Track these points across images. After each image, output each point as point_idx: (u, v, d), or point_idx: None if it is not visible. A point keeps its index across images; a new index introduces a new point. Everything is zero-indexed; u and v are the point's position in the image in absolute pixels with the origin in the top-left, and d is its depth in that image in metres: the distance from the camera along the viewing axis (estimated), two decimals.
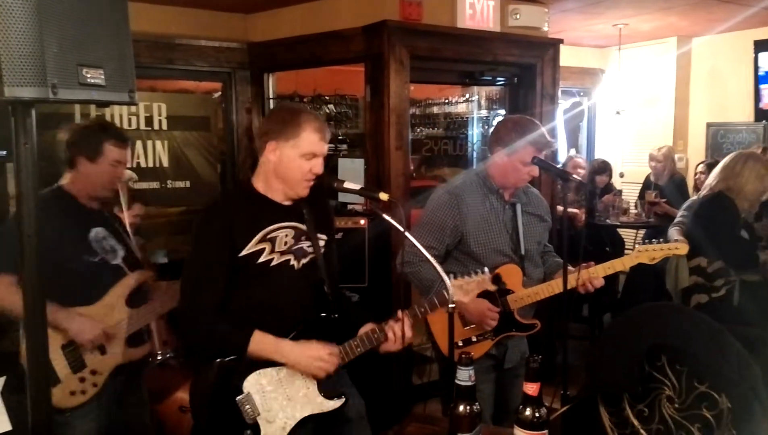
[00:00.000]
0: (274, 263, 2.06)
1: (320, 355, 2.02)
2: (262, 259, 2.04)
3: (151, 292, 2.60)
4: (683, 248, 2.70)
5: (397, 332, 2.06)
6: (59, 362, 2.33)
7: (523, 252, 2.62)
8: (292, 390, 2.04)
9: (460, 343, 2.56)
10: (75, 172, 2.47)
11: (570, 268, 2.55)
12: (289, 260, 2.10)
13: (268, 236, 2.06)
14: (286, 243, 2.09)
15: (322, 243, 2.20)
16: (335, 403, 2.09)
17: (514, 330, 2.63)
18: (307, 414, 2.05)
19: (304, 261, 2.14)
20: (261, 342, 1.99)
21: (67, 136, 2.53)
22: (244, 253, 2.02)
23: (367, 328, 2.14)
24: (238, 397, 1.99)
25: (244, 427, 1.99)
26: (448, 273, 1.97)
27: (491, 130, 4.66)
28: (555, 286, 2.56)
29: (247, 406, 1.99)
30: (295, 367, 2.03)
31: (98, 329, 2.37)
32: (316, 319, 2.12)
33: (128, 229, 2.65)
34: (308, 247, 2.15)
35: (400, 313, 2.08)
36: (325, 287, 2.16)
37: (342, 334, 2.14)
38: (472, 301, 2.46)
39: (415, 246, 2.00)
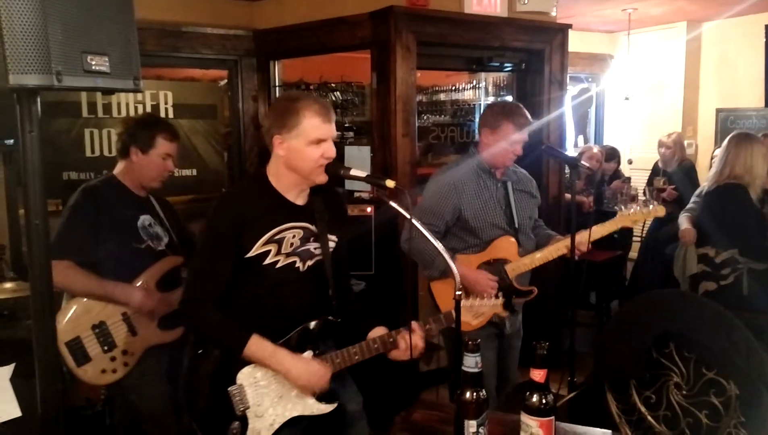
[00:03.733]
0: (279, 265, 2.03)
1: (310, 373, 1.99)
2: (267, 261, 2.01)
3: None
4: (661, 210, 2.87)
5: (409, 342, 2.04)
6: (90, 341, 2.43)
7: (516, 225, 2.83)
8: (285, 388, 2.02)
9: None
10: (127, 162, 2.60)
11: (559, 236, 2.85)
12: (294, 262, 2.06)
13: (276, 237, 2.02)
14: (292, 244, 2.05)
15: (332, 244, 2.15)
16: (325, 408, 2.06)
17: (514, 297, 2.77)
18: (296, 414, 2.03)
19: (309, 263, 2.10)
20: (257, 346, 1.96)
21: (121, 128, 2.67)
22: (250, 254, 1.99)
23: (377, 332, 2.11)
24: (230, 388, 1.99)
25: (233, 418, 1.98)
26: (448, 249, 2.10)
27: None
28: (548, 254, 2.76)
29: (238, 398, 1.98)
30: (286, 377, 2.00)
31: (154, 299, 2.51)
32: (318, 322, 2.09)
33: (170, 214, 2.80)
34: (315, 248, 2.11)
35: (414, 323, 2.06)
36: (329, 291, 2.12)
37: (344, 337, 2.12)
38: (471, 272, 2.68)
39: (417, 226, 2.00)
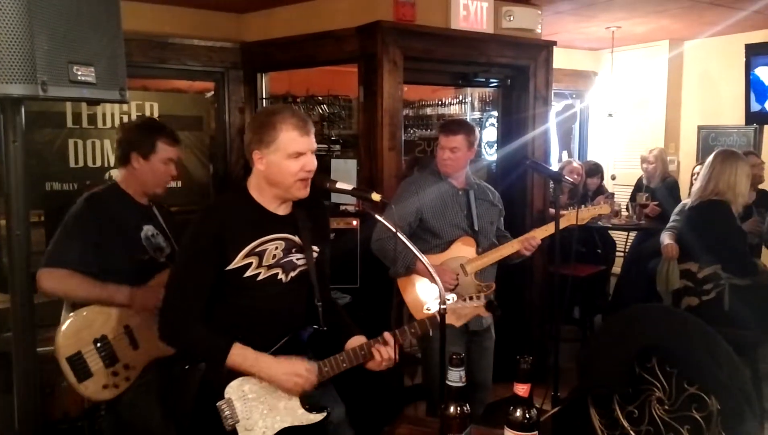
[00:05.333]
0: (261, 277, 2.01)
1: (297, 371, 1.98)
2: (248, 274, 1.99)
3: None
4: (605, 209, 3.14)
5: (384, 355, 2.03)
6: (92, 356, 2.37)
7: (476, 228, 3.10)
8: (274, 399, 2.01)
9: (429, 309, 2.78)
10: (128, 169, 2.54)
11: (510, 236, 3.16)
12: (276, 274, 2.04)
13: (256, 250, 2.00)
14: (274, 256, 2.03)
15: (315, 255, 2.13)
16: (316, 417, 2.05)
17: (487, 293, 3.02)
18: (286, 425, 2.01)
19: (293, 274, 2.08)
20: (240, 355, 1.95)
21: (120, 134, 2.64)
22: (230, 267, 1.97)
23: (355, 342, 2.11)
24: (219, 402, 1.96)
25: (223, 433, 1.96)
26: None
27: (482, 131, 4.73)
28: (503, 251, 3.06)
29: (227, 412, 1.96)
30: (271, 382, 1.99)
31: (153, 292, 2.41)
32: (304, 332, 2.09)
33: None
34: (298, 259, 2.09)
35: (387, 335, 2.06)
36: (315, 300, 2.11)
37: (330, 346, 2.11)
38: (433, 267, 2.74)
39: (386, 224, 2.12)
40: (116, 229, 2.45)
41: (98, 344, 2.38)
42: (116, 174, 2.62)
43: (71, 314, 2.40)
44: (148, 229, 2.55)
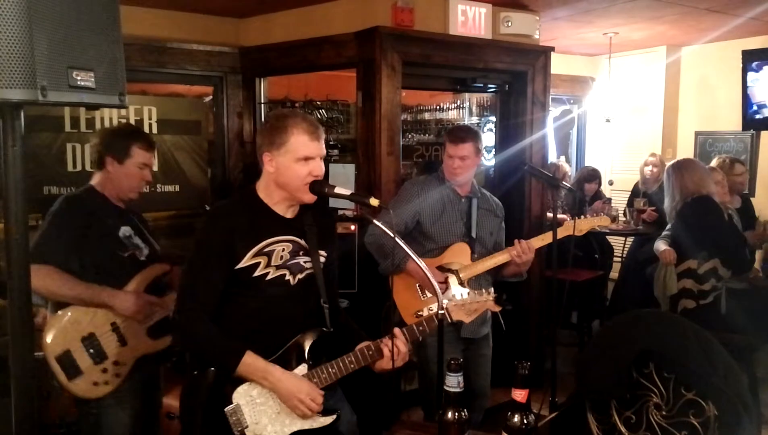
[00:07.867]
0: (269, 277, 2.03)
1: (304, 394, 1.97)
2: (257, 273, 2.01)
3: (173, 284, 2.63)
4: (605, 220, 3.10)
5: (393, 349, 2.03)
6: (80, 354, 2.38)
7: (474, 235, 3.07)
8: (283, 403, 2.00)
9: (420, 313, 2.79)
10: (104, 173, 2.58)
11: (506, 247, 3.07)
12: (284, 275, 2.06)
13: (265, 250, 2.03)
14: (282, 257, 2.05)
15: (322, 259, 2.15)
16: (325, 420, 2.05)
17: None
18: (296, 429, 2.01)
19: (300, 276, 2.10)
20: (251, 365, 1.96)
21: (97, 139, 2.70)
22: (240, 265, 1.99)
23: (362, 346, 2.10)
24: (227, 408, 1.96)
25: None
26: None
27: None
28: (497, 257, 3.01)
29: (235, 418, 1.96)
30: (277, 395, 1.99)
31: (141, 301, 2.46)
32: (312, 334, 2.09)
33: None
34: (305, 262, 2.11)
35: (396, 330, 2.06)
36: (321, 301, 2.12)
37: (336, 349, 2.11)
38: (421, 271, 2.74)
39: (383, 229, 2.06)
40: (95, 227, 2.48)
41: (86, 342, 2.40)
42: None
43: (57, 314, 2.42)
44: (125, 230, 2.58)
